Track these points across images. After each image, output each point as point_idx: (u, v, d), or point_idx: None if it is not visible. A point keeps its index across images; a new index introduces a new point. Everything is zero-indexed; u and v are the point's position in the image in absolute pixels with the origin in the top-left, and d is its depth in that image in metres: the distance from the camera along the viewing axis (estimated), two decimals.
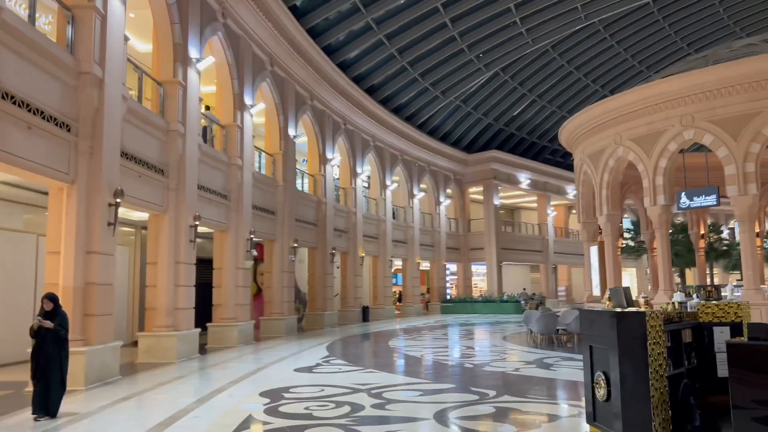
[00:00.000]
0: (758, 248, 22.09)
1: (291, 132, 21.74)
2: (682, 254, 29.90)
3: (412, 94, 31.15)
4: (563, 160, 45.98)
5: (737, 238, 42.81)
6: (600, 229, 18.17)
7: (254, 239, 18.37)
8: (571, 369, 11.14)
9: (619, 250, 19.73)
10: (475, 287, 41.06)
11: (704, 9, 35.20)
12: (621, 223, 17.60)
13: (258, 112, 19.45)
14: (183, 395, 9.21)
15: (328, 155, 25.18)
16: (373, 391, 8.81)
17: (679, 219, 30.92)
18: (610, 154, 15.64)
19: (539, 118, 40.67)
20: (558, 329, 16.23)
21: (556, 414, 7.35)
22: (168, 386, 10.05)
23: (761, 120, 12.74)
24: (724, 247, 38.49)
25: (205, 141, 16.13)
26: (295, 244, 21.51)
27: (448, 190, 38.21)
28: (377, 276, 30.52)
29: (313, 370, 11.55)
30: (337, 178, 27.65)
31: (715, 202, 13.69)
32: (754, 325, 4.57)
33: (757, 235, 21.69)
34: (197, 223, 14.50)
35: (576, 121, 17.00)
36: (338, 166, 27.86)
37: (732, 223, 46.38)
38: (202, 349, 15.16)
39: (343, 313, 26.32)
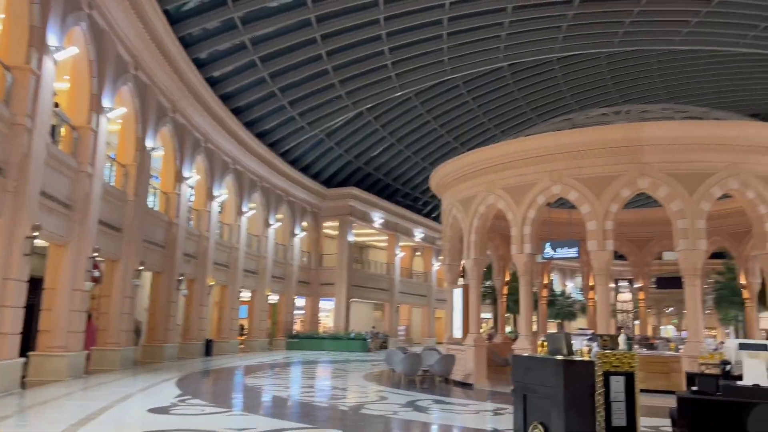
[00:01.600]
0: (591, 300, 24.17)
1: (149, 144, 19.90)
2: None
3: (279, 121, 30.39)
4: (413, 203, 47.66)
5: (557, 291, 46.49)
6: (462, 273, 18.68)
7: (97, 258, 16.29)
8: (448, 413, 10.97)
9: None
10: (319, 323, 40.42)
11: (547, 80, 38.87)
12: (485, 267, 18.23)
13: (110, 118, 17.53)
14: None
15: (185, 173, 23.42)
16: None
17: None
18: (481, 201, 16.19)
19: (396, 161, 41.83)
20: (420, 370, 16.22)
21: None
22: None
23: (620, 182, 13.93)
24: (551, 298, 42.06)
25: (53, 141, 14.09)
26: (141, 267, 19.49)
27: (304, 223, 37.50)
28: (224, 307, 28.69)
29: (171, 411, 10.17)
30: (192, 199, 25.82)
31: (576, 255, 14.65)
32: (704, 380, 4.61)
33: (592, 288, 23.74)
34: (36, 234, 12.43)
35: (450, 165, 17.47)
36: (193, 187, 26.06)
37: (551, 276, 50.95)
38: (22, 383, 12.82)
39: (184, 346, 24.16)
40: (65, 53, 13.62)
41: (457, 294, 17.70)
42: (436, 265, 50.96)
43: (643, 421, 6.91)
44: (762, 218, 13.58)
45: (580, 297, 53.55)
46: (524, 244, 15.04)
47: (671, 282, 22.94)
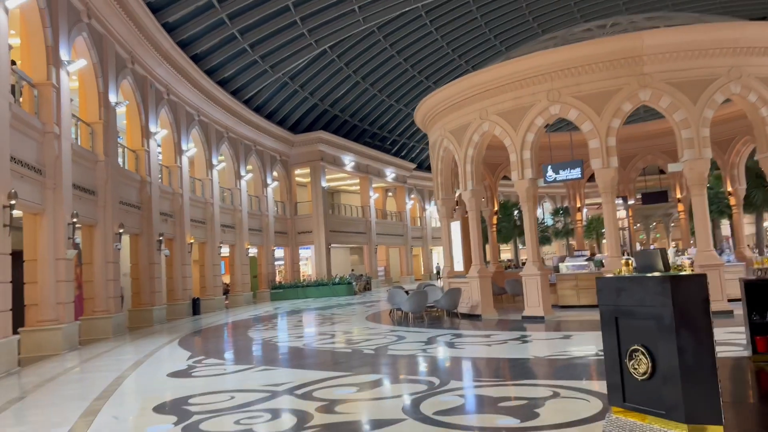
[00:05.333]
0: (579, 221, 24.25)
1: (112, 98, 18.59)
2: (505, 231, 32.17)
3: (240, 66, 28.89)
4: (381, 143, 46.82)
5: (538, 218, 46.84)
6: (457, 205, 18.31)
7: (76, 224, 15.29)
8: (478, 347, 10.74)
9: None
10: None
11: (510, 4, 37.74)
12: (484, 197, 17.85)
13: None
14: (44, 425, 6.88)
15: (152, 128, 22.15)
16: (297, 392, 7.40)
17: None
18: (475, 129, 15.61)
19: (361, 100, 40.70)
20: (426, 307, 16.04)
21: (534, 396, 6.70)
22: (11, 412, 7.51)
23: (621, 96, 13.52)
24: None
25: (14, 101, 12.82)
26: (121, 230, 18.52)
27: (275, 172, 36.46)
28: (205, 264, 27.94)
29: (193, 374, 9.63)
30: (160, 155, 24.57)
31: (579, 176, 14.34)
32: None
33: (579, 209, 23.78)
34: (13, 202, 11.42)
35: (438, 96, 16.72)
36: (159, 143, 24.76)
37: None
38: (18, 361, 12.04)
39: (171, 307, 23.42)
40: (15, 1, 12.18)
41: (457, 227, 17.36)
42: (409, 204, 50.80)
43: None
44: (764, 120, 13.44)
45: (550, 222, 54.42)
46: (524, 169, 14.64)
47: (656, 197, 23.08)
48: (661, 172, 23.63)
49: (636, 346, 4.75)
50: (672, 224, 56.52)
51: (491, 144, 16.54)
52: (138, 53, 20.88)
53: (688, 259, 5.38)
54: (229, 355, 12.12)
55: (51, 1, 14.59)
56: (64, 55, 15.11)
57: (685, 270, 4.76)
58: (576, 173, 14.30)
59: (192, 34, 24.46)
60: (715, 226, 36.47)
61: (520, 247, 50.95)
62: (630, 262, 5.15)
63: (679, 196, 22.28)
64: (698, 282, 4.52)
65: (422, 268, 54.02)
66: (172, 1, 22.29)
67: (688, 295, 4.48)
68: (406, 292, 16.83)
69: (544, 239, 50.90)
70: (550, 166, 14.62)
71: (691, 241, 22.96)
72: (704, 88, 13.10)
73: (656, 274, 4.83)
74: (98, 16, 17.65)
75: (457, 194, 18.06)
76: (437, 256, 58.76)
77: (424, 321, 15.43)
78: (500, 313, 15.84)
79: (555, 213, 53.25)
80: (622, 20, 16.65)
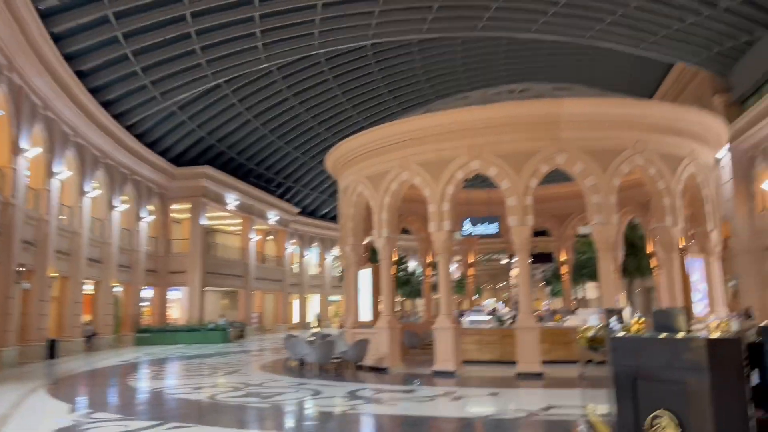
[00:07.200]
0: (471, 276, 24.73)
1: None
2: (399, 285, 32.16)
3: (128, 89, 26.81)
4: (266, 184, 45.54)
5: (416, 271, 47.42)
6: (366, 253, 17.86)
7: None
8: (407, 402, 10.14)
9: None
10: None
11: (406, 63, 39.01)
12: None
13: None
14: None
15: (23, 145, 19.63)
16: None
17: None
18: (394, 177, 15.42)
19: (251, 139, 39.52)
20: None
21: None
22: None
23: (539, 158, 14.01)
24: (406, 277, 43.48)
25: None
26: None
27: (150, 206, 33.81)
28: (66, 302, 24.86)
29: None
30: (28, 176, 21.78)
31: (496, 230, 14.54)
32: None
33: (471, 265, 24.30)
34: None
35: (357, 140, 16.39)
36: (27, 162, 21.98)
37: (428, 258, 51.91)
38: None
39: (24, 349, 20.28)
40: None
41: (367, 275, 16.83)
42: (289, 249, 49.50)
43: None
44: (661, 193, 14.51)
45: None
46: (443, 221, 14.60)
47: (543, 258, 24.17)
48: (546, 234, 24.86)
49: (661, 410, 4.53)
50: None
51: None
52: (17, 60, 18.59)
53: (716, 319, 5.37)
54: (121, 408, 10.47)
55: None
56: None
57: (712, 332, 4.67)
58: (493, 228, 14.52)
59: (80, 48, 22.35)
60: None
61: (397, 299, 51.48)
62: (642, 320, 4.98)
63: (563, 258, 23.53)
64: (735, 346, 4.42)
65: (296, 316, 52.48)
66: (62, 9, 20.28)
67: (725, 359, 4.35)
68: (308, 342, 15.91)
69: (416, 292, 51.79)
70: (469, 220, 14.71)
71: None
72: (613, 157, 13.95)
73: (683, 335, 4.70)
74: None
75: (365, 241, 17.65)
76: (312, 305, 57.49)
77: (329, 373, 14.56)
78: (409, 367, 15.39)
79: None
80: (534, 86, 17.49)
